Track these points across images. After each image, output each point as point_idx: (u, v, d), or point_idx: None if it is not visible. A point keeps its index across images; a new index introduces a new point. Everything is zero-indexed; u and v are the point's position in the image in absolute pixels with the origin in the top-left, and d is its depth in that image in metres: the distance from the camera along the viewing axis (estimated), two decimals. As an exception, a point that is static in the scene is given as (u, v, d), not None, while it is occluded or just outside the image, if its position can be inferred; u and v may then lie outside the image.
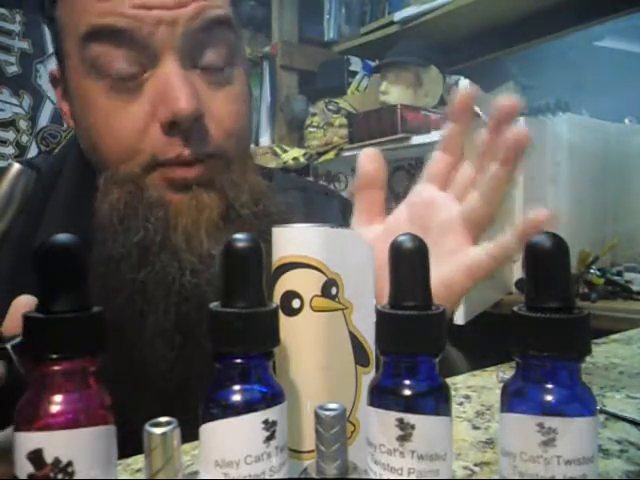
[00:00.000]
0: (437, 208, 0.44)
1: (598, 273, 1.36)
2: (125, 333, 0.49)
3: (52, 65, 1.91)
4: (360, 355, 0.32)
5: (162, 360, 0.49)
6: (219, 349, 0.26)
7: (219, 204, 0.51)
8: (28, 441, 0.23)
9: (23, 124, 1.90)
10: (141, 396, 0.49)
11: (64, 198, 0.57)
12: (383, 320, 0.26)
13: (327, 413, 0.24)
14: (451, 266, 0.41)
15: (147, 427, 0.24)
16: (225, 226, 0.51)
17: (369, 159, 0.46)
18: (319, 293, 0.30)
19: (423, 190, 0.45)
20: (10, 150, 1.89)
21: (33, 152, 1.92)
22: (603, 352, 0.63)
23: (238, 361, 0.25)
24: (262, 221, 0.52)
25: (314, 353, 0.30)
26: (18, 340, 0.30)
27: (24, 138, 1.91)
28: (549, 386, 0.25)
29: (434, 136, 1.55)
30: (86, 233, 0.50)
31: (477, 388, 0.51)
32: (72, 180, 0.58)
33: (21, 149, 1.90)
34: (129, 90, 0.50)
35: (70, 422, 0.23)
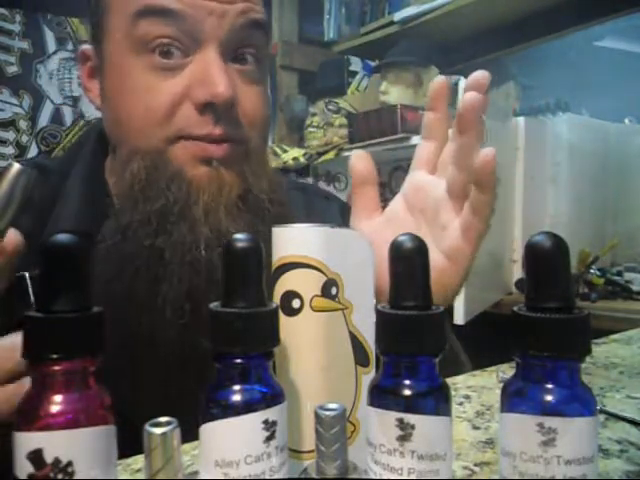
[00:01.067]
0: (427, 190, 0.47)
1: (598, 273, 1.36)
2: (137, 298, 0.50)
3: (52, 65, 1.92)
4: (360, 355, 0.32)
5: (170, 326, 0.50)
6: (219, 349, 0.26)
7: (239, 185, 0.54)
8: (28, 441, 0.23)
9: (23, 124, 1.90)
10: (145, 363, 0.51)
11: (73, 197, 0.58)
12: (383, 320, 0.26)
13: (327, 413, 0.24)
14: (448, 238, 0.44)
15: (147, 427, 0.24)
16: (243, 207, 0.54)
17: (359, 159, 0.49)
18: (319, 293, 0.30)
19: (413, 177, 0.48)
20: (10, 150, 1.89)
21: (33, 152, 1.92)
22: (603, 352, 0.63)
23: (238, 361, 0.25)
24: (276, 208, 0.55)
25: (314, 353, 0.30)
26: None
27: (24, 138, 1.91)
28: (549, 386, 0.25)
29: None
30: (95, 230, 0.53)
31: (477, 388, 0.51)
32: (83, 179, 0.60)
33: (21, 149, 1.90)
34: (169, 70, 0.52)
35: (70, 422, 0.23)
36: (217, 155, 0.53)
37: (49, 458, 0.23)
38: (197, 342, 0.50)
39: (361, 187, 0.49)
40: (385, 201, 0.50)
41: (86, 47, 0.60)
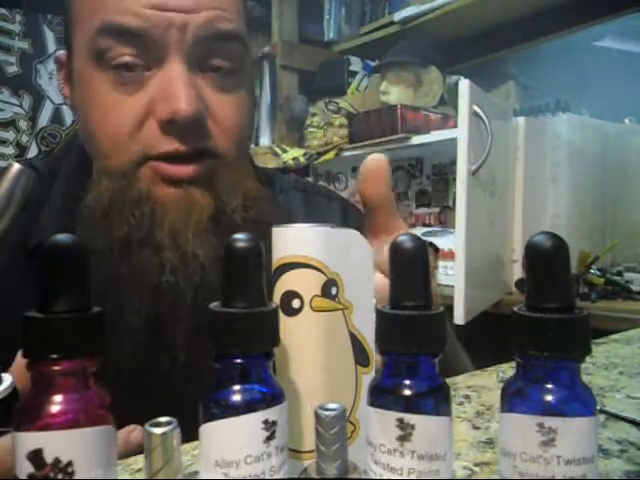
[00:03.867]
0: None
1: (598, 273, 1.36)
2: None
3: (52, 65, 1.92)
4: (360, 355, 0.32)
5: (132, 354, 0.49)
6: (219, 349, 0.26)
7: (210, 204, 0.51)
8: (28, 441, 0.23)
9: (23, 124, 1.90)
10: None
11: (61, 198, 0.57)
12: (383, 320, 0.26)
13: (327, 413, 0.24)
14: None
15: (147, 427, 0.24)
16: (214, 229, 0.51)
17: (369, 183, 0.38)
18: (319, 293, 0.30)
19: None
20: (10, 150, 1.89)
21: (33, 152, 1.92)
22: (603, 352, 0.63)
23: (238, 361, 0.25)
24: (249, 226, 0.52)
25: (314, 353, 0.30)
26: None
27: (24, 138, 1.91)
28: (549, 386, 0.25)
29: (434, 136, 1.55)
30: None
31: (477, 388, 0.51)
32: (69, 180, 0.58)
33: (21, 149, 1.90)
34: (131, 84, 0.51)
35: (70, 422, 0.23)
36: (184, 175, 0.51)
37: (49, 458, 0.23)
38: (160, 366, 0.49)
39: (370, 212, 0.40)
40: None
41: (61, 53, 0.58)
